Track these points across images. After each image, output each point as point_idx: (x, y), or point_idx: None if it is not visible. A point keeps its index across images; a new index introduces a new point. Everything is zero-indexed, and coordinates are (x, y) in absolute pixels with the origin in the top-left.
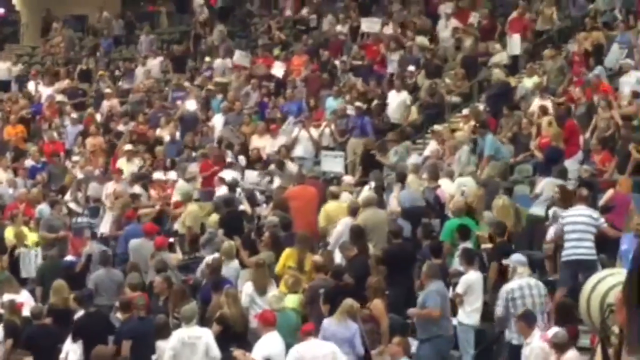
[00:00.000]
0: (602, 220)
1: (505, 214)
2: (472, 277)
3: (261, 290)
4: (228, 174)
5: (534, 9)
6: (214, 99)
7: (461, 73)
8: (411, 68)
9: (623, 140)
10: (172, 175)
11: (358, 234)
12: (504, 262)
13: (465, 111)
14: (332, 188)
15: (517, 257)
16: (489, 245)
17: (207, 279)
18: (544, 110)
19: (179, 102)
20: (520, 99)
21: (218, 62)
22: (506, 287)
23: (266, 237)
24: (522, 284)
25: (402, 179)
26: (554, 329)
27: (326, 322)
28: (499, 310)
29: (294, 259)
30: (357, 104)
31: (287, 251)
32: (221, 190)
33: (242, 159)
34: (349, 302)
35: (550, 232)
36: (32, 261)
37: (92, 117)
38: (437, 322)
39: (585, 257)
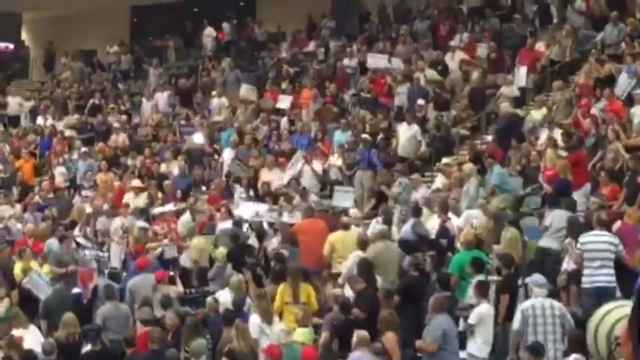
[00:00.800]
0: (621, 247)
1: (513, 246)
2: (485, 309)
3: (268, 320)
4: (246, 208)
5: (548, 38)
6: (223, 132)
7: (464, 104)
8: (421, 102)
9: (632, 172)
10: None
11: (366, 268)
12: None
13: None
14: (345, 219)
15: (535, 278)
16: (497, 278)
17: (216, 313)
18: (553, 143)
19: (186, 137)
20: (528, 131)
21: (215, 101)
22: (523, 305)
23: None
24: (537, 304)
25: (417, 212)
26: (574, 356)
27: (356, 355)
28: (515, 324)
29: (287, 294)
30: (364, 136)
31: (280, 287)
32: (226, 224)
33: (251, 193)
34: (363, 334)
35: (564, 265)
36: (40, 278)
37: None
38: (440, 355)
39: (605, 284)
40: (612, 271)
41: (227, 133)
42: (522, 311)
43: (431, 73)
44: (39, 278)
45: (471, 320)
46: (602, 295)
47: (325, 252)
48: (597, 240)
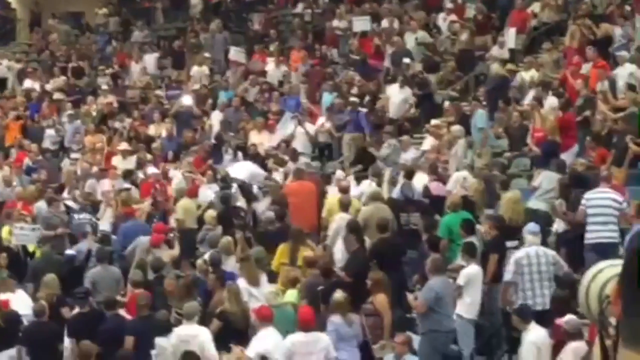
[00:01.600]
0: (626, 204)
1: (510, 207)
2: (473, 271)
3: (254, 282)
4: (241, 167)
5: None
6: (223, 92)
7: (452, 66)
8: (406, 60)
9: (620, 134)
10: (173, 170)
11: (354, 229)
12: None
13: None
14: (344, 182)
15: (529, 226)
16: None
17: (206, 275)
18: (538, 103)
19: (173, 100)
20: (516, 89)
21: (195, 69)
22: (517, 254)
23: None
24: (531, 252)
25: (409, 174)
26: (568, 316)
27: (335, 320)
28: (507, 275)
29: (286, 255)
30: (352, 98)
31: (280, 247)
32: (212, 186)
33: (239, 155)
34: (339, 297)
35: (554, 226)
36: (23, 231)
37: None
38: (432, 316)
39: (609, 240)
40: (616, 227)
41: (227, 94)
42: (516, 260)
43: (423, 35)
44: (21, 231)
45: (459, 281)
46: (605, 251)
47: (323, 214)
48: (601, 196)
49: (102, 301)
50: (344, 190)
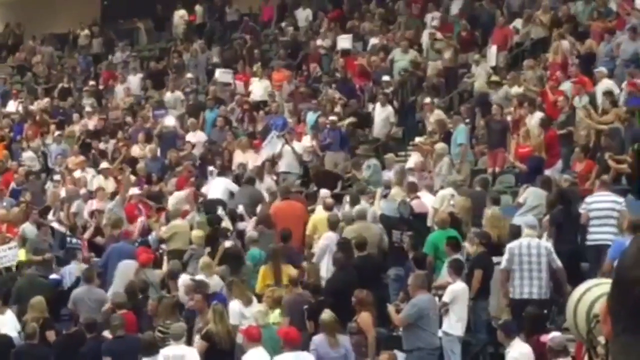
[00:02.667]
0: (624, 204)
1: (494, 224)
2: (459, 287)
3: (246, 302)
4: (216, 185)
5: (525, 16)
6: (210, 112)
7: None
8: (386, 78)
9: (603, 149)
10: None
11: (345, 248)
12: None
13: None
14: (329, 200)
15: (526, 218)
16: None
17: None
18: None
19: (159, 119)
20: (500, 99)
21: (168, 95)
22: (511, 244)
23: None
24: (524, 243)
25: (412, 189)
26: (553, 334)
27: (317, 340)
28: (502, 264)
29: (269, 276)
30: (332, 118)
31: (262, 269)
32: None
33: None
34: (327, 317)
35: None
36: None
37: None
38: (417, 333)
39: (605, 242)
40: (614, 229)
41: (213, 114)
42: (510, 249)
43: (413, 54)
44: (2, 253)
45: (445, 299)
46: (603, 252)
47: (307, 231)
48: (602, 200)
49: (83, 323)
50: (329, 208)
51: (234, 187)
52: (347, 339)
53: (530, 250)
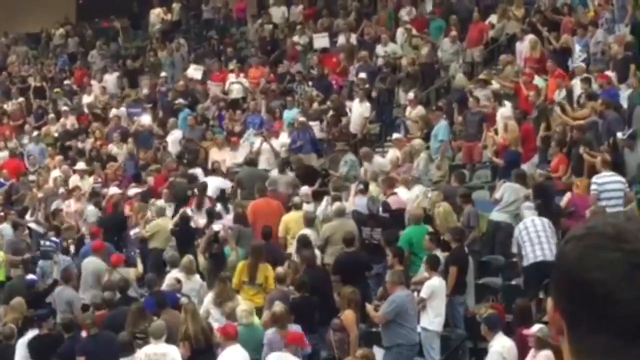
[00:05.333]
0: (627, 185)
1: (447, 219)
2: (436, 283)
3: (223, 300)
4: (210, 183)
5: (500, 11)
6: (181, 112)
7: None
8: (362, 75)
9: (576, 143)
10: (133, 190)
11: (304, 244)
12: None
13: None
14: (297, 199)
15: (525, 204)
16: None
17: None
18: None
19: (135, 118)
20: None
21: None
22: (517, 226)
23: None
24: (528, 222)
25: (366, 188)
26: (538, 326)
27: (269, 333)
28: (514, 248)
29: (245, 273)
30: (301, 119)
31: (239, 265)
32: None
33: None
34: (278, 309)
35: None
36: None
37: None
38: (396, 330)
39: None
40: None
41: (184, 113)
42: (519, 233)
43: (393, 47)
44: None
45: (423, 294)
46: None
47: (280, 233)
48: (612, 180)
49: (60, 323)
50: (299, 208)
51: (227, 185)
52: (298, 328)
53: (536, 227)
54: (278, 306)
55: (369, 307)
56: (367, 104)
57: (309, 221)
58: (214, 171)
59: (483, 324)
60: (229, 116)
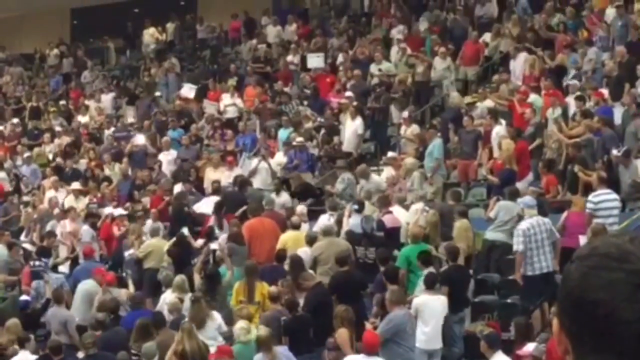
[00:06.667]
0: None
1: (462, 236)
2: (420, 300)
3: (197, 324)
4: (207, 203)
5: (495, 30)
6: (174, 131)
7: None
8: (348, 94)
9: (571, 160)
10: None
11: (296, 264)
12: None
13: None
14: (294, 218)
15: (525, 200)
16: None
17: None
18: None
19: (123, 141)
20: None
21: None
22: (522, 225)
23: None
24: (534, 222)
25: (361, 207)
26: (532, 345)
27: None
28: (519, 247)
29: (243, 292)
30: (299, 139)
31: (236, 285)
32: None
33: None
34: (263, 333)
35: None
36: None
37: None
38: (394, 349)
39: None
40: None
41: (177, 132)
42: (524, 231)
43: (388, 66)
44: None
45: (411, 312)
46: None
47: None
48: (608, 198)
49: (48, 346)
50: (296, 227)
51: None
52: (285, 349)
53: (540, 228)
54: (262, 330)
55: (368, 326)
56: (360, 121)
57: (311, 240)
58: (215, 192)
59: (483, 341)
60: (219, 137)
